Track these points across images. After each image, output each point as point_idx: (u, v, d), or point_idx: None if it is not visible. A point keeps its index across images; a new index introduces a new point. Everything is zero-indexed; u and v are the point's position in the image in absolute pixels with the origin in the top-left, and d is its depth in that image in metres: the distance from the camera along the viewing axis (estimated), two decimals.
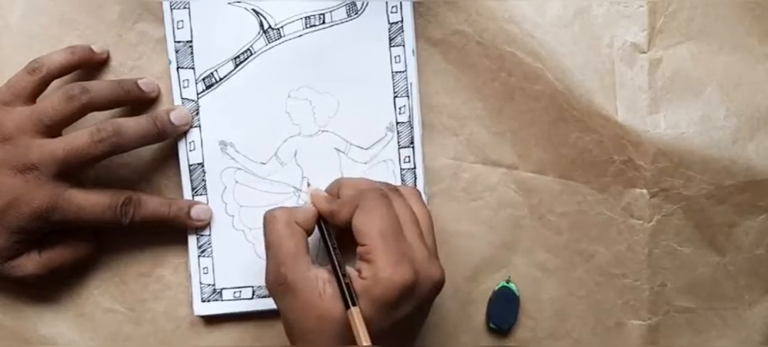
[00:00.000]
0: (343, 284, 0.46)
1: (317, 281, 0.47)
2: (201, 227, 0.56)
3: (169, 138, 0.55)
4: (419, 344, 0.58)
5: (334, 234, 0.51)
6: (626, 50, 0.56)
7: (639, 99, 0.55)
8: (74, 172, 0.51)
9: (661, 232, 0.57)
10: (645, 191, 0.56)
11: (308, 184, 0.56)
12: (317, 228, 0.51)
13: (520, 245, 0.58)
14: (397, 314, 0.46)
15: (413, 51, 0.55)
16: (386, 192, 0.50)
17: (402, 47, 0.55)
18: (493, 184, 0.57)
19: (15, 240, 0.51)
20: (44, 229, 0.51)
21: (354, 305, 0.45)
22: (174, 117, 0.54)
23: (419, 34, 0.56)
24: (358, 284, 0.46)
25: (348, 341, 0.46)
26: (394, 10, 0.55)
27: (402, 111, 0.56)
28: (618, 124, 0.55)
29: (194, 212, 0.55)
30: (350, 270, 0.48)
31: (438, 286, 0.49)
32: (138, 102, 0.55)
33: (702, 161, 0.56)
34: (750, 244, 0.57)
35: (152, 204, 0.54)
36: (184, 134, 0.55)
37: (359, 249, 0.48)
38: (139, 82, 0.54)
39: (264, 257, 0.56)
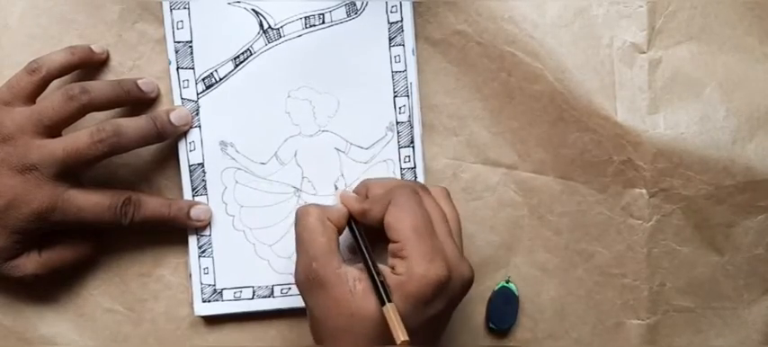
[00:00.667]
0: (378, 281, 0.46)
1: (348, 278, 0.47)
2: (202, 228, 0.56)
3: (169, 139, 0.55)
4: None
5: (364, 234, 0.50)
6: (626, 50, 0.56)
7: (639, 99, 0.55)
8: (74, 172, 0.51)
9: (660, 232, 0.57)
10: (644, 191, 0.56)
11: (336, 188, 0.56)
12: (347, 229, 0.51)
13: (520, 245, 0.58)
14: (429, 310, 0.46)
15: (413, 51, 0.55)
16: (417, 189, 0.50)
17: (402, 46, 0.55)
18: (493, 184, 0.57)
19: (15, 240, 0.51)
20: (44, 229, 0.51)
21: (390, 301, 0.45)
22: (173, 117, 0.54)
23: (419, 34, 0.56)
24: (392, 280, 0.46)
25: (378, 338, 0.46)
26: (394, 10, 0.55)
27: (402, 110, 0.56)
28: (617, 124, 0.55)
29: (194, 212, 0.55)
30: (382, 267, 0.47)
31: (468, 284, 0.48)
32: (137, 102, 0.55)
33: (702, 161, 0.56)
34: (749, 244, 0.57)
35: (152, 204, 0.54)
36: (184, 134, 0.55)
37: (391, 246, 0.47)
38: (139, 82, 0.54)
39: (265, 256, 0.56)
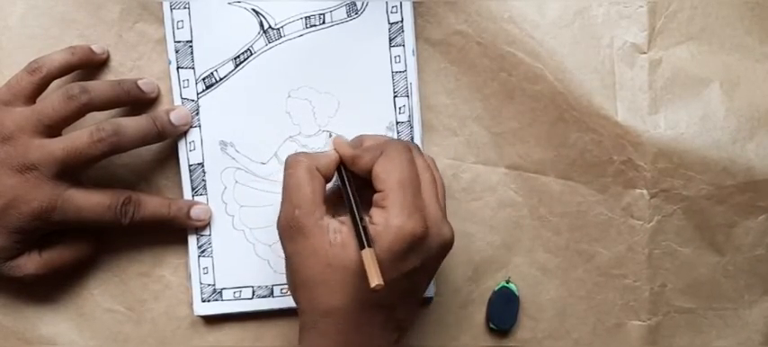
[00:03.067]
0: (361, 226, 0.46)
1: (329, 229, 0.47)
2: (201, 227, 0.56)
3: (169, 139, 0.55)
4: (419, 344, 0.58)
5: (352, 181, 0.50)
6: (626, 50, 0.56)
7: (639, 99, 0.55)
8: (73, 172, 0.51)
9: (661, 232, 0.57)
10: (645, 191, 0.56)
11: (330, 135, 0.56)
12: (336, 176, 0.51)
13: (520, 246, 0.58)
14: (403, 266, 0.47)
15: (413, 51, 0.55)
16: (411, 147, 0.50)
17: (402, 47, 0.55)
18: (493, 184, 0.57)
19: (15, 240, 0.51)
20: (44, 229, 0.51)
21: (368, 247, 0.45)
22: (173, 117, 0.54)
23: (419, 34, 0.56)
24: (370, 229, 0.46)
25: (352, 290, 0.46)
26: (394, 10, 0.55)
27: (402, 110, 0.56)
28: (618, 124, 0.55)
29: (194, 212, 0.55)
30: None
31: (447, 246, 0.49)
32: (137, 102, 0.55)
33: (702, 161, 0.56)
34: (750, 245, 0.57)
35: (152, 204, 0.54)
36: (184, 134, 0.55)
37: (375, 196, 0.48)
38: (139, 82, 0.54)
39: (265, 256, 0.56)
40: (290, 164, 0.50)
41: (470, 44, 0.56)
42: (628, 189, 0.56)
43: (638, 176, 0.56)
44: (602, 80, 0.55)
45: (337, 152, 0.51)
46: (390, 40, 0.55)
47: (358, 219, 0.47)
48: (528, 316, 0.58)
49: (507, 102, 0.56)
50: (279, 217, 0.49)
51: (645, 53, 0.56)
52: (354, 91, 0.56)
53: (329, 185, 0.51)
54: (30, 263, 0.53)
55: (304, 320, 0.48)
